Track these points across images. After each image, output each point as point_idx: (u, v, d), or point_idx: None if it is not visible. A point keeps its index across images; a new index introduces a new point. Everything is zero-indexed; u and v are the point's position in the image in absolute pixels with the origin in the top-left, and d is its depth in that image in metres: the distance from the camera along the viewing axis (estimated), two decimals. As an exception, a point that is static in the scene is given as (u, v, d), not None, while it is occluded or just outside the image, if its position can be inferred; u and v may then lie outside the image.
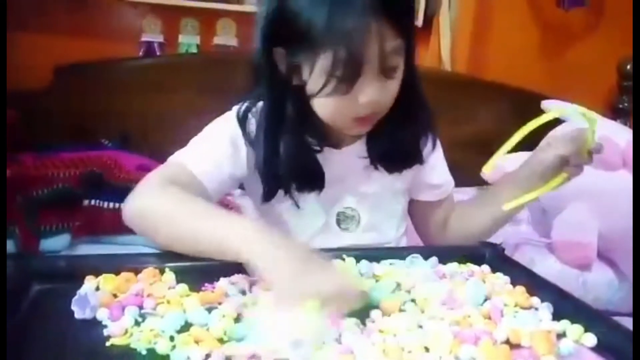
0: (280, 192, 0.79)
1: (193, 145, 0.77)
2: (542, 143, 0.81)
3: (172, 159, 0.76)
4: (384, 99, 0.72)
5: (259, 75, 0.76)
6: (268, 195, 0.79)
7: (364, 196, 0.84)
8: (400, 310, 0.58)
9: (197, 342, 0.48)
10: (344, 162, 0.81)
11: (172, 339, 0.49)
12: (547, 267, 1.21)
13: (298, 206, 0.79)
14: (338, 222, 0.83)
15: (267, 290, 0.56)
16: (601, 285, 1.25)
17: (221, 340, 0.49)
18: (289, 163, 0.75)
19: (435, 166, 0.87)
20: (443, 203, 0.91)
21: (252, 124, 0.78)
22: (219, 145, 0.76)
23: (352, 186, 0.83)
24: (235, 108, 0.80)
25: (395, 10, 0.67)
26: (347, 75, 0.67)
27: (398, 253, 0.72)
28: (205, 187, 0.73)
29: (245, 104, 0.79)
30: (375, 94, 0.69)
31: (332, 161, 0.80)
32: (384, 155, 0.81)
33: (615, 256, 1.29)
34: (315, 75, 0.69)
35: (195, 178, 0.72)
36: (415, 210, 0.92)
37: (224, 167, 0.76)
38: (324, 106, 0.73)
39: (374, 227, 0.85)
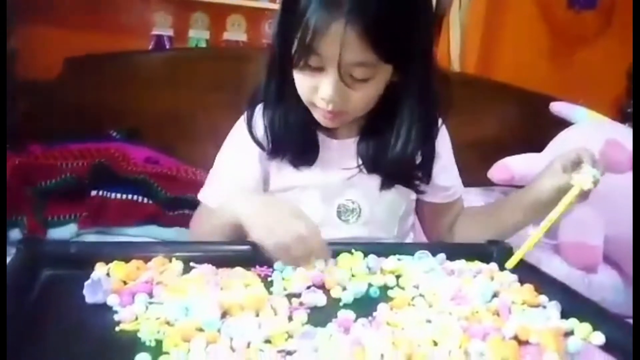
0: (284, 176, 0.82)
1: (215, 182, 0.86)
2: (547, 169, 0.80)
3: (201, 199, 0.86)
4: (347, 103, 0.74)
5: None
6: (272, 154, 0.82)
7: (366, 189, 0.84)
8: (409, 305, 0.58)
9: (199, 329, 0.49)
10: (344, 153, 0.82)
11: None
12: (553, 268, 1.20)
13: (297, 168, 0.82)
14: (339, 214, 0.84)
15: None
16: (606, 288, 1.25)
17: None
18: (285, 132, 0.80)
19: (444, 168, 0.87)
20: (450, 206, 0.91)
21: (260, 127, 0.82)
22: (239, 173, 0.83)
23: (354, 178, 0.83)
24: (242, 119, 0.85)
25: (373, 27, 0.67)
26: (301, 56, 0.71)
27: (406, 249, 0.72)
28: None
29: (251, 111, 0.83)
30: (332, 94, 0.71)
31: (331, 149, 0.82)
32: (371, 160, 0.82)
33: (621, 259, 1.29)
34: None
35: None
36: (422, 211, 0.92)
37: (248, 188, 0.82)
38: (297, 84, 0.76)
39: (375, 221, 0.85)
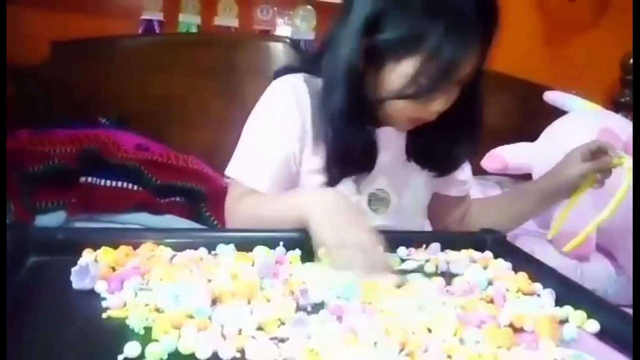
0: (319, 159, 0.78)
1: (256, 162, 0.78)
2: (566, 157, 0.88)
3: (231, 175, 0.79)
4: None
5: (335, 57, 0.75)
6: (332, 181, 0.78)
7: (396, 179, 0.84)
8: (404, 293, 0.57)
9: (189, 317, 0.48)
10: (383, 143, 0.80)
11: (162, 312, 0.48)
12: (546, 257, 1.20)
13: (360, 191, 0.80)
14: (369, 203, 0.82)
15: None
16: (599, 277, 1.26)
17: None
18: (349, 147, 0.76)
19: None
20: (463, 200, 0.92)
21: (306, 96, 0.78)
22: (276, 152, 0.77)
23: (386, 167, 0.82)
24: (283, 85, 0.80)
25: (490, 35, 0.71)
26: (436, 88, 0.70)
27: (401, 237, 0.71)
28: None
29: (296, 79, 0.80)
30: (447, 104, 0.73)
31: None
32: (420, 152, 0.82)
33: (614, 248, 1.30)
34: (400, 75, 0.70)
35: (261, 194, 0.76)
36: (436, 204, 0.92)
37: (285, 168, 0.78)
38: (393, 104, 0.74)
39: (402, 211, 0.85)
